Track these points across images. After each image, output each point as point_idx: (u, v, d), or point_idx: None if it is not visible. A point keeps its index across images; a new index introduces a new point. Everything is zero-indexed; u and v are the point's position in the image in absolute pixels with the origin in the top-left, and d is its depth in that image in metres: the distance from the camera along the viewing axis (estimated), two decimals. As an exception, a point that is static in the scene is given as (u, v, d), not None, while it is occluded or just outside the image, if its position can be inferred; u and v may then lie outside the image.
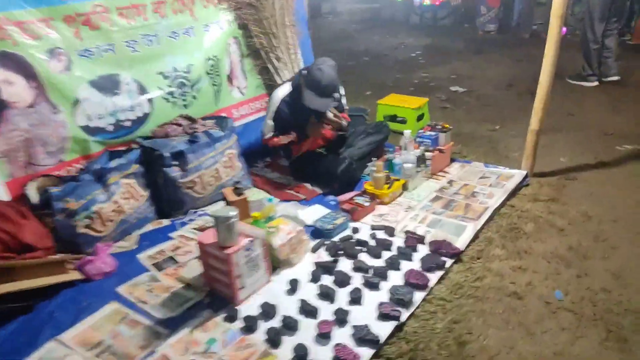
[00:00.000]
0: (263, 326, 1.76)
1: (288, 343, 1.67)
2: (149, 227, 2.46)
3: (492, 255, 2.12)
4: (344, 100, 2.93)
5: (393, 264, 2.02)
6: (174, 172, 2.43)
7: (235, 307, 1.85)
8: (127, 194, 2.33)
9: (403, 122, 3.52)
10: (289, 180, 2.88)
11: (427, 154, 2.76)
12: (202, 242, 1.88)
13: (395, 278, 1.96)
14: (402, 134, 2.79)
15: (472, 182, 2.73)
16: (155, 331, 1.77)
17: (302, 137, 2.76)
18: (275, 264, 2.08)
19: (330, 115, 2.68)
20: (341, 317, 1.74)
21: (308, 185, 2.79)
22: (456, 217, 2.37)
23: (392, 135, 3.10)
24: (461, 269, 2.03)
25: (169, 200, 2.51)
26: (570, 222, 2.34)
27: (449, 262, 2.04)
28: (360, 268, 2.02)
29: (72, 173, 2.29)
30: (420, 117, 3.55)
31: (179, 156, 2.44)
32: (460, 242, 2.16)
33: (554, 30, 2.40)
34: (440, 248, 2.09)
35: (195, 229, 2.43)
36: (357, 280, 1.96)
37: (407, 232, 2.24)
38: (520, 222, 2.35)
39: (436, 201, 2.55)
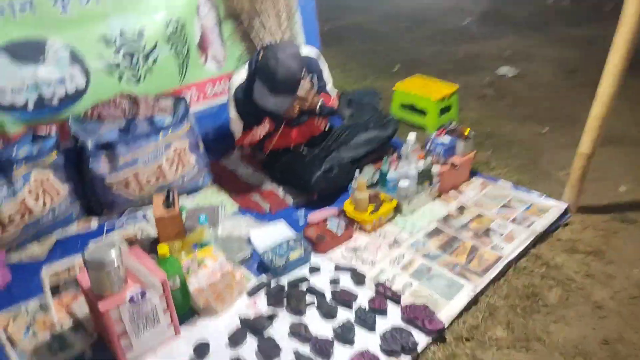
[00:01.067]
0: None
1: None
2: (73, 228, 2.02)
3: (489, 337, 1.50)
4: (327, 81, 2.28)
5: (344, 335, 1.45)
6: (101, 168, 1.95)
7: (116, 375, 1.38)
8: (38, 190, 1.87)
9: (423, 114, 2.83)
10: (260, 180, 2.33)
11: (435, 168, 2.11)
12: (80, 282, 1.40)
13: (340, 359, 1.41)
14: (422, 129, 2.13)
15: (489, 213, 2.06)
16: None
17: (278, 126, 2.19)
18: (195, 309, 1.58)
19: (302, 91, 2.04)
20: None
21: (280, 192, 2.23)
22: (453, 268, 1.75)
23: (407, 131, 2.41)
24: (439, 356, 1.44)
25: (97, 200, 2.04)
26: (615, 295, 1.65)
27: (423, 341, 1.45)
28: (298, 334, 1.47)
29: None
30: (445, 110, 2.84)
31: (108, 148, 1.94)
32: (447, 312, 1.56)
33: (631, 9, 1.61)
34: (416, 317, 1.50)
35: (126, 239, 1.95)
36: (287, 354, 1.42)
37: (378, 284, 1.66)
38: (543, 286, 1.70)
39: (434, 237, 1.93)
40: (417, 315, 1.50)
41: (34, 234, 1.90)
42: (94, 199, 2.04)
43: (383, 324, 1.51)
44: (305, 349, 1.44)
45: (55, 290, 1.68)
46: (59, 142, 1.92)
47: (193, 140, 2.16)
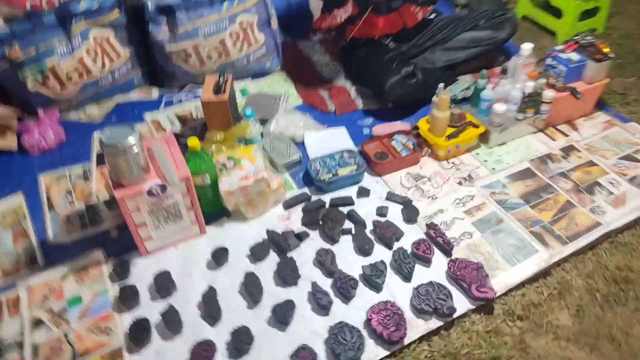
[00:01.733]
0: (144, 307, 1.26)
1: (151, 351, 1.16)
2: (133, 95, 1.95)
3: (548, 321, 1.23)
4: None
5: (372, 278, 1.26)
6: (161, 33, 1.78)
7: (133, 261, 1.36)
8: (97, 49, 1.78)
9: (557, 15, 2.22)
10: (334, 73, 2.04)
11: (548, 93, 1.65)
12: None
13: (357, 308, 1.23)
14: (551, 34, 1.67)
15: (603, 163, 1.61)
16: (32, 256, 1.38)
17: (363, 10, 1.83)
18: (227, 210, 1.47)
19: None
20: (236, 347, 1.15)
21: (352, 91, 1.94)
22: (532, 225, 1.42)
23: (532, 36, 1.92)
24: (476, 329, 1.21)
25: (158, 69, 1.92)
26: None
27: (463, 308, 1.22)
28: (323, 264, 1.31)
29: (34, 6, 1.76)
30: (589, 13, 2.19)
31: (169, 13, 1.74)
32: (505, 279, 1.28)
33: None
34: (463, 278, 1.25)
35: (177, 115, 1.85)
36: (304, 284, 1.28)
37: (431, 225, 1.40)
38: (643, 273, 1.33)
39: (520, 180, 1.57)
40: (467, 275, 1.25)
41: (93, 95, 1.86)
42: (156, 68, 1.92)
43: (422, 275, 1.29)
44: (325, 283, 1.28)
45: (102, 160, 1.65)
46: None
47: (264, 15, 1.88)
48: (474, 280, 1.25)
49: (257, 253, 1.35)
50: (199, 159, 1.35)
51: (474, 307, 1.23)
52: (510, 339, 1.19)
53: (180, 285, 1.29)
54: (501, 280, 1.28)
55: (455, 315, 1.20)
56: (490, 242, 1.37)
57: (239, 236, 1.42)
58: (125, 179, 1.23)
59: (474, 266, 1.28)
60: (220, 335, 1.17)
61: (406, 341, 1.16)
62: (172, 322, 1.18)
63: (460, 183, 1.56)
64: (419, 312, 1.20)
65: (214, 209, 1.45)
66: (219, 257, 1.33)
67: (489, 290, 1.23)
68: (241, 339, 1.14)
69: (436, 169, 1.62)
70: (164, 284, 1.27)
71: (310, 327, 1.19)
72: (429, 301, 1.20)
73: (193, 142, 1.33)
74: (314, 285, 1.26)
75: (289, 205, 1.50)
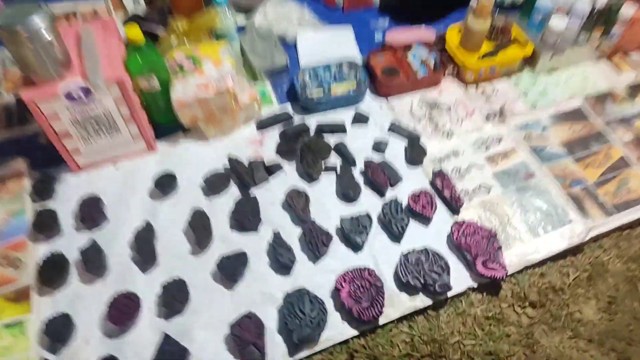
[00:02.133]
0: (65, 238, 1.01)
1: (64, 295, 0.94)
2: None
3: (569, 313, 0.95)
4: None
5: (351, 234, 0.99)
6: None
7: (60, 178, 1.10)
8: None
9: None
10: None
11: (627, 9, 1.22)
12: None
13: (326, 270, 0.97)
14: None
15: (681, 110, 1.23)
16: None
17: None
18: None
19: None
20: (167, 306, 0.91)
21: (370, -19, 1.51)
22: (570, 185, 1.09)
23: None
24: (474, 312, 0.94)
25: None
26: None
27: (461, 286, 0.95)
28: (293, 209, 1.03)
29: None
30: None
31: None
32: (523, 253, 0.99)
33: None
34: (468, 247, 0.96)
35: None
36: (265, 231, 1.01)
37: (439, 173, 1.08)
38: None
39: (566, 123, 1.21)
40: (473, 244, 0.97)
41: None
42: None
43: (416, 238, 1.01)
44: (290, 233, 1.01)
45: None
46: None
47: None
48: (482, 252, 0.96)
49: (212, 185, 1.06)
50: (142, 56, 1.02)
51: (475, 285, 0.96)
52: (515, 330, 0.92)
53: (112, 216, 1.04)
54: (517, 253, 0.99)
55: (449, 295, 0.94)
56: (512, 201, 1.06)
57: (194, 160, 1.13)
58: (35, 75, 0.92)
59: (485, 233, 0.98)
60: (150, 286, 0.93)
61: (382, 320, 0.91)
62: (92, 263, 0.95)
63: (487, 118, 1.21)
64: (404, 285, 0.94)
65: (169, 120, 1.15)
66: (164, 185, 1.06)
67: (499, 268, 0.94)
68: (174, 296, 0.91)
69: (460, 96, 1.26)
70: (90, 213, 1.02)
71: (264, 289, 0.94)
72: (419, 273, 0.93)
73: (132, 32, 0.99)
74: (276, 236, 0.99)
75: (263, 125, 1.18)
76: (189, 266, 0.97)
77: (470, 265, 0.96)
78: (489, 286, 0.96)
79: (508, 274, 0.96)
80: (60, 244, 1.00)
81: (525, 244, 1.00)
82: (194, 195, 1.07)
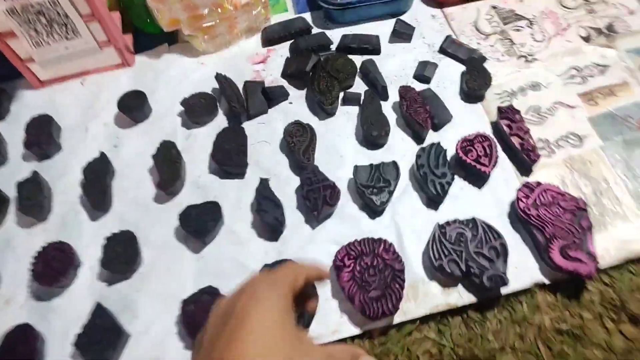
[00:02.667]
0: (12, 167, 0.81)
1: (-3, 240, 0.74)
2: None
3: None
4: None
5: (367, 193, 0.69)
6: None
7: (16, 94, 0.88)
8: None
9: None
10: None
11: None
12: None
13: (326, 239, 0.69)
14: None
15: None
16: None
17: None
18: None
19: None
20: (111, 267, 0.68)
21: None
22: None
23: None
24: (539, 322, 0.63)
25: None
26: None
27: (525, 280, 0.64)
28: (292, 151, 0.75)
29: None
30: None
31: None
32: (626, 239, 0.65)
33: None
34: (542, 225, 0.64)
35: None
36: (251, 179, 0.74)
37: (509, 109, 0.74)
38: None
39: None
40: (549, 219, 0.64)
41: None
42: None
43: (460, 204, 0.70)
44: (285, 182, 0.74)
45: None
46: None
47: None
48: (562, 232, 0.63)
49: (192, 111, 0.80)
50: None
51: (546, 281, 0.64)
52: (600, 356, 0.61)
53: (66, 144, 0.82)
54: (616, 238, 0.65)
55: (504, 292, 0.63)
56: (615, 161, 0.71)
57: (175, 79, 0.87)
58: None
59: (570, 204, 0.65)
60: (97, 238, 0.70)
61: (398, 318, 0.63)
62: (28, 201, 0.73)
63: (587, 38, 0.84)
64: (436, 270, 0.64)
65: (152, 27, 0.88)
66: (131, 107, 0.81)
67: (586, 259, 0.62)
68: (118, 254, 0.67)
69: (550, 4, 0.88)
70: (38, 138, 0.79)
71: (238, 256, 0.68)
72: (459, 255, 0.63)
73: None
74: (264, 184, 0.72)
75: (270, 38, 0.89)
76: (148, 217, 0.73)
77: (541, 251, 0.65)
78: (568, 285, 0.64)
79: (599, 268, 0.63)
80: (6, 173, 0.79)
81: (631, 225, 0.66)
82: (170, 122, 0.82)
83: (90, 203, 0.73)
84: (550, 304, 0.64)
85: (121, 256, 0.67)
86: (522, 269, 0.64)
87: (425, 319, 0.63)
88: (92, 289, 0.68)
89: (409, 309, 0.63)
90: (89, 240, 0.71)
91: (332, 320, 0.62)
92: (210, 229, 0.68)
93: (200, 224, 0.68)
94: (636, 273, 0.65)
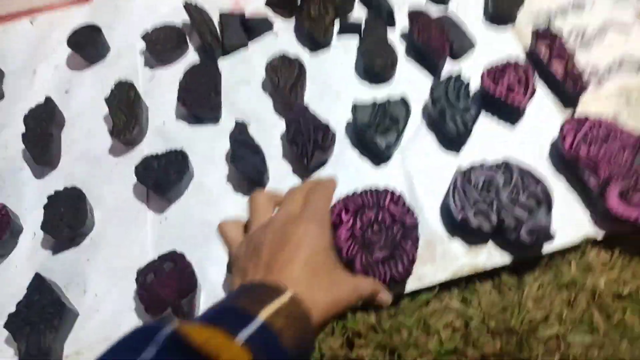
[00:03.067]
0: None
1: None
2: None
3: None
4: None
5: (369, 134, 0.55)
6: None
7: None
8: None
9: None
10: None
11: None
12: None
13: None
14: None
15: None
16: None
17: None
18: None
19: None
20: (51, 230, 0.55)
21: None
22: None
23: None
24: (592, 284, 0.49)
25: None
26: None
27: (573, 233, 0.50)
28: (276, 88, 0.61)
29: None
30: None
31: None
32: None
33: None
34: (593, 166, 0.50)
35: None
36: (229, 121, 0.60)
37: (546, 32, 0.60)
38: None
39: None
40: (602, 158, 0.50)
41: None
42: None
43: (488, 145, 0.56)
44: (267, 129, 0.60)
45: None
46: None
47: None
48: (621, 173, 0.49)
49: (156, 47, 0.66)
50: None
51: (601, 235, 0.50)
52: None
53: (9, 91, 0.68)
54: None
55: (547, 249, 0.49)
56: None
57: (140, 10, 0.73)
58: None
59: (629, 139, 0.51)
60: (40, 197, 0.57)
61: (411, 285, 0.49)
62: (-42, 157, 0.60)
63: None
64: (459, 226, 0.50)
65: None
66: (85, 44, 0.67)
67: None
68: (63, 215, 0.54)
69: None
70: None
71: (210, 216, 0.55)
72: (490, 205, 0.49)
73: None
74: (240, 128, 0.58)
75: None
76: (101, 172, 0.59)
77: (594, 198, 0.50)
78: (628, 239, 0.50)
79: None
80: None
81: None
82: (130, 63, 0.68)
83: (32, 157, 0.60)
84: (606, 263, 0.50)
85: (66, 218, 0.54)
86: (570, 221, 0.50)
87: (446, 286, 0.50)
88: (33, 259, 0.55)
89: (425, 273, 0.49)
90: (32, 202, 0.59)
91: (327, 290, 0.49)
92: (174, 183, 0.55)
93: (161, 177, 0.55)
94: None
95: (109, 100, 0.61)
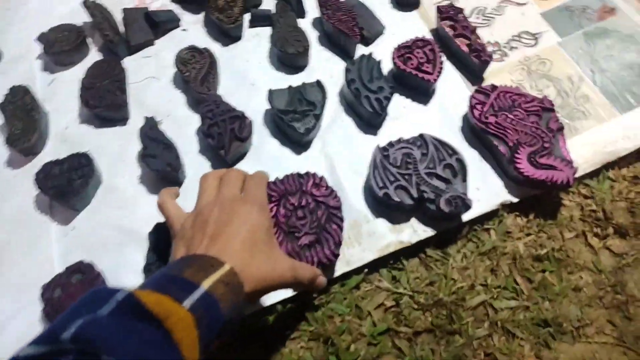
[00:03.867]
0: None
1: None
2: None
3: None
4: None
5: (286, 121, 0.54)
6: None
7: None
8: None
9: None
10: None
11: None
12: None
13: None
14: None
15: None
16: None
17: None
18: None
19: None
20: None
21: None
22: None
23: None
24: (512, 249, 0.50)
25: None
26: None
27: (491, 201, 0.51)
28: (186, 81, 0.58)
29: None
30: None
31: None
32: (601, 141, 0.54)
33: None
34: (503, 132, 0.51)
35: None
36: (139, 117, 0.57)
37: (448, 8, 0.61)
38: None
39: None
40: (510, 125, 0.52)
41: None
42: None
43: (403, 124, 0.57)
44: (180, 124, 0.58)
45: None
46: None
47: None
48: (528, 137, 0.51)
49: (53, 48, 0.61)
50: None
51: (515, 199, 0.51)
52: (589, 279, 0.49)
53: None
54: (590, 141, 0.54)
55: (465, 218, 0.50)
56: (578, 55, 0.60)
57: (36, 12, 0.68)
58: None
59: (533, 104, 0.53)
60: None
61: (339, 269, 0.48)
62: None
63: None
64: (382, 203, 0.50)
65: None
66: None
67: (561, 165, 0.50)
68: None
69: None
70: None
71: (122, 221, 0.51)
72: (408, 180, 0.49)
73: None
74: (149, 124, 0.55)
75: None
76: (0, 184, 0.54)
77: (505, 165, 0.52)
78: (541, 201, 0.52)
79: (576, 175, 0.51)
80: None
81: (605, 125, 0.55)
82: (26, 68, 0.63)
83: None
84: (522, 227, 0.51)
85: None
86: (485, 190, 0.51)
87: (374, 265, 0.49)
88: None
89: (352, 255, 0.48)
90: None
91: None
92: (79, 189, 0.51)
93: (64, 184, 0.50)
94: (616, 179, 0.54)
95: (2, 107, 0.56)
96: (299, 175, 0.50)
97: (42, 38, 0.61)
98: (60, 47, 0.61)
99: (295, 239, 0.46)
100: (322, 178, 0.49)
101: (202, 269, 0.32)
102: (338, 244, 0.46)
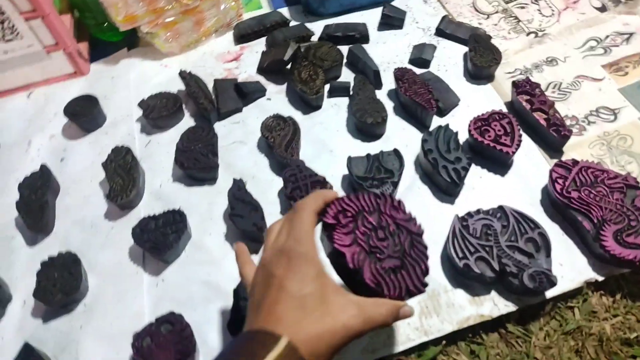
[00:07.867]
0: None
1: None
2: None
3: None
4: None
5: (366, 185, 0.56)
6: None
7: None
8: None
9: None
10: None
11: None
12: None
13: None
14: None
15: None
16: None
17: None
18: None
19: None
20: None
21: None
22: None
23: None
24: (597, 329, 0.48)
25: None
26: None
27: (573, 279, 0.50)
28: (271, 147, 0.62)
29: None
30: None
31: None
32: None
33: None
34: (587, 208, 0.51)
35: None
36: (227, 180, 0.61)
37: (525, 82, 0.63)
38: None
39: None
40: (595, 201, 0.51)
41: None
42: None
43: (480, 194, 0.57)
44: (265, 187, 0.61)
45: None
46: None
47: None
48: (613, 215, 0.50)
49: (152, 112, 0.68)
50: None
51: (600, 277, 0.50)
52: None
53: (4, 162, 0.69)
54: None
55: (549, 295, 0.49)
56: (662, 133, 0.59)
57: (136, 81, 0.76)
58: None
59: (616, 181, 0.53)
60: (32, 265, 0.56)
61: (417, 339, 0.48)
62: (-52, 228, 0.59)
63: (602, 8, 0.74)
64: (460, 274, 0.50)
65: (111, 33, 0.78)
66: (81, 113, 0.69)
67: (653, 246, 0.48)
68: (56, 281, 0.53)
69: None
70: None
71: (208, 276, 0.54)
72: (489, 252, 0.49)
73: None
74: (238, 186, 0.59)
75: (243, 34, 0.79)
76: (97, 237, 0.59)
77: (589, 242, 0.51)
78: (628, 280, 0.50)
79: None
80: None
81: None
82: (127, 130, 0.70)
83: (26, 224, 0.59)
84: (608, 308, 0.49)
85: (59, 284, 0.53)
86: (569, 266, 0.50)
87: (452, 338, 0.48)
88: (23, 329, 0.53)
89: (430, 325, 0.48)
90: (23, 269, 0.57)
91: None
92: (172, 244, 0.54)
93: (159, 238, 0.54)
94: None
95: (105, 165, 0.62)
96: (375, 194, 0.45)
97: (142, 104, 0.68)
98: (159, 112, 0.68)
99: (378, 260, 0.42)
100: (400, 201, 0.46)
101: (256, 351, 0.30)
102: (425, 272, 0.42)
